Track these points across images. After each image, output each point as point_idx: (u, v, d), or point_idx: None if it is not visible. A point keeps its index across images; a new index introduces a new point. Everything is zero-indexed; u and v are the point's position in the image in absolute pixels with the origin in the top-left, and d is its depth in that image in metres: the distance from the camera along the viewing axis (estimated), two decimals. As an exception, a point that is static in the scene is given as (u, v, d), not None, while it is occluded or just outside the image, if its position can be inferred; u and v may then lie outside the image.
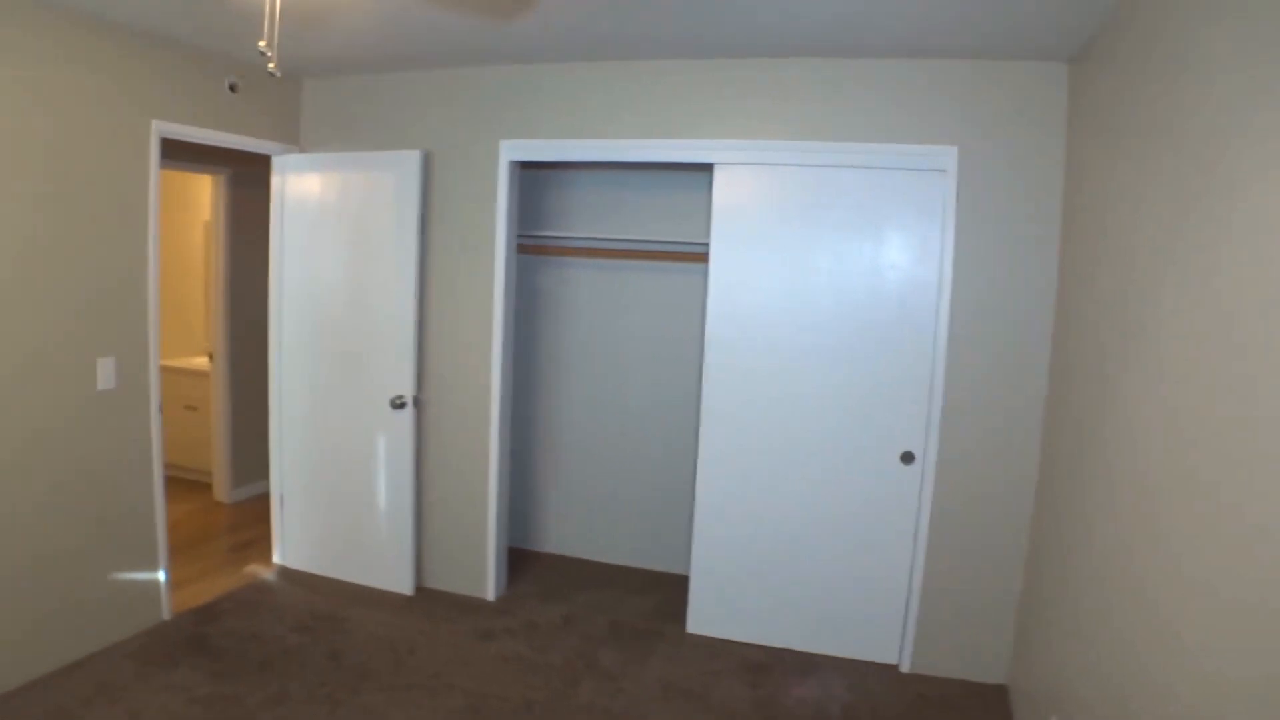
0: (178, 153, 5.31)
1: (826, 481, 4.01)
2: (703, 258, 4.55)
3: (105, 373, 3.75)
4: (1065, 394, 3.32)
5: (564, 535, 5.38)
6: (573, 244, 5.06)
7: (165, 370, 6.78)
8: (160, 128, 3.88)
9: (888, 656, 4.03)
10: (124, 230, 3.80)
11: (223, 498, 6.21)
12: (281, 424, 4.87)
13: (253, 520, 5.74)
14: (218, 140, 4.21)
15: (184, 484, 6.59)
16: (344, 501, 4.72)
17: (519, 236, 4.66)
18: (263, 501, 5.36)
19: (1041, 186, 3.62)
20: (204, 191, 6.37)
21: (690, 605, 4.30)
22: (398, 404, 4.43)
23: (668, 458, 5.04)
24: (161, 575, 4.14)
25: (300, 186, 4.62)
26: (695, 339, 4.76)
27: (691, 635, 4.28)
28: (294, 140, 4.70)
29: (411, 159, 4.31)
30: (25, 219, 3.38)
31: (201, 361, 6.46)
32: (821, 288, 3.94)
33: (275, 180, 4.70)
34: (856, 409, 3.94)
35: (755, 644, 4.19)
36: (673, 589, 4.82)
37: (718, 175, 4.04)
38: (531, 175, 4.98)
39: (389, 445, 4.53)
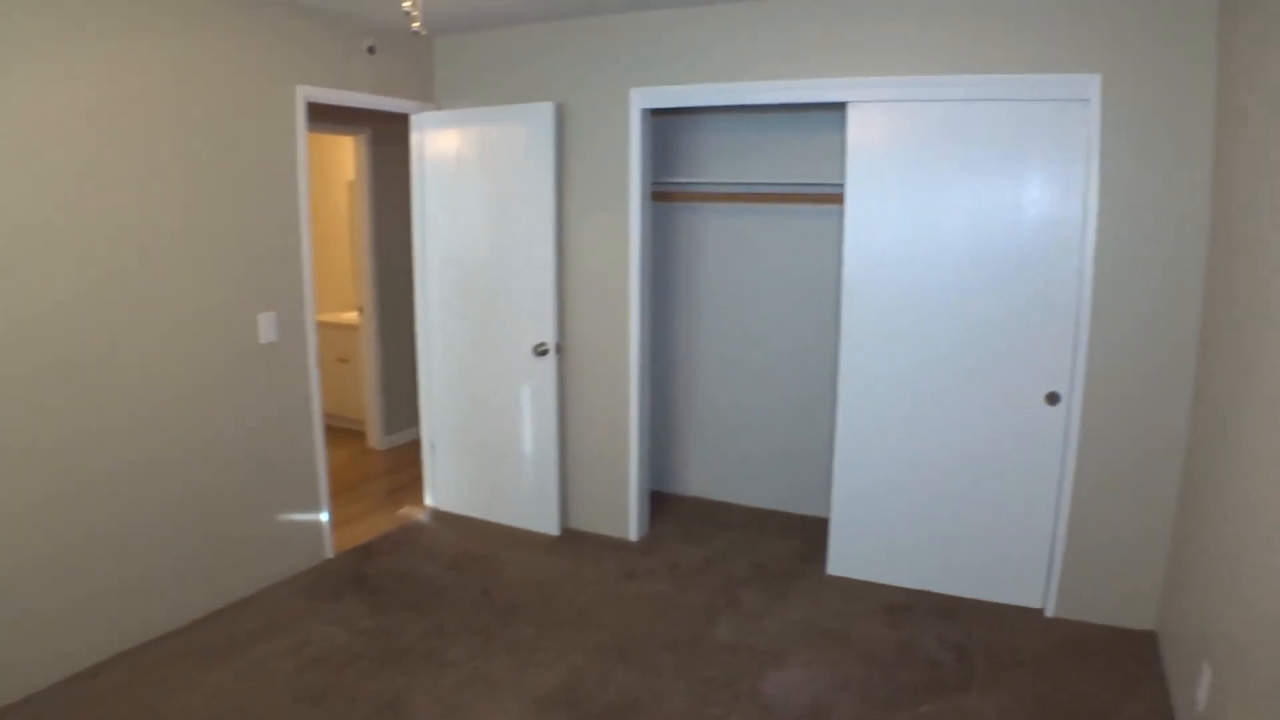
0: (320, 115, 5.53)
1: (968, 423, 3.92)
2: (837, 199, 4.47)
3: (266, 327, 3.98)
4: (1221, 329, 3.12)
5: (704, 479, 5.45)
6: (705, 189, 5.05)
7: (318, 325, 7.19)
8: (305, 92, 4.05)
9: (1031, 600, 3.95)
10: (276, 192, 4.00)
11: (376, 445, 6.54)
12: (430, 374, 5.08)
13: (405, 465, 6.03)
14: (358, 101, 4.37)
15: (338, 432, 6.95)
16: (491, 447, 4.91)
17: (652, 183, 4.68)
18: (413, 448, 5.62)
19: (1189, 112, 3.37)
20: (347, 153, 6.61)
21: (830, 546, 4.31)
22: (540, 351, 4.55)
23: (806, 401, 5.02)
24: (324, 516, 4.42)
25: (438, 143, 4.76)
26: (831, 281, 4.70)
27: (832, 577, 4.30)
28: (430, 98, 4.83)
29: (544, 111, 4.37)
30: (185, 185, 3.60)
31: (351, 316, 6.77)
32: (960, 226, 3.82)
33: (414, 138, 4.84)
34: (999, 350, 3.82)
35: (896, 586, 4.17)
36: (813, 532, 4.83)
37: (851, 114, 3.94)
38: (662, 121, 4.97)
39: (533, 392, 4.67)
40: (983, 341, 3.84)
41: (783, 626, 3.80)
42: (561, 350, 4.65)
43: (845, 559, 4.28)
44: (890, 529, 4.15)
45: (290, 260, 4.10)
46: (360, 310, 6.39)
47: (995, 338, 3.81)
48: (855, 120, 3.95)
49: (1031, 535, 3.88)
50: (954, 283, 3.85)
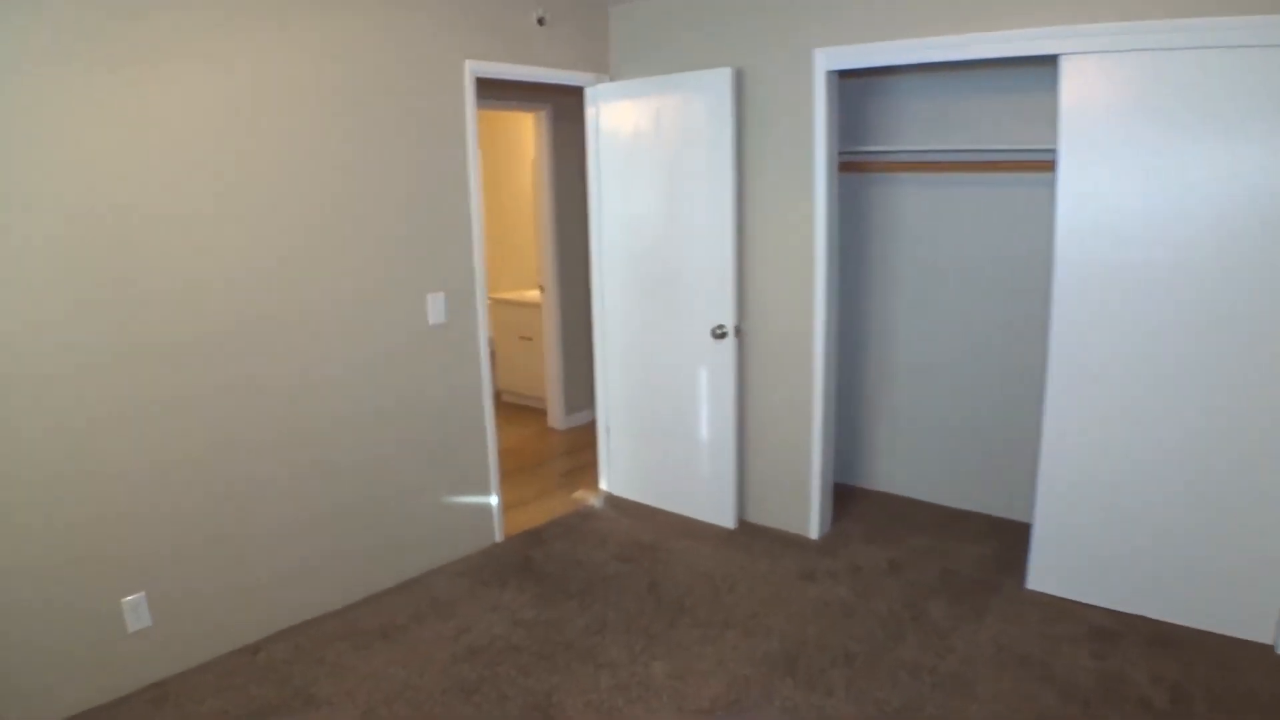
0: (497, 91, 5.49)
1: (1201, 429, 3.32)
2: (1047, 166, 3.96)
3: (435, 308, 3.93)
4: None
5: (892, 472, 5.05)
6: (899, 158, 4.61)
7: (500, 303, 7.25)
8: (473, 67, 3.94)
9: (1263, 635, 3.34)
10: (445, 171, 3.93)
11: (555, 424, 6.49)
12: (606, 355, 4.93)
13: (582, 446, 5.95)
14: (528, 75, 4.23)
15: (520, 410, 6.99)
16: (667, 432, 4.71)
17: (840, 153, 4.30)
18: (592, 429, 5.51)
19: None
20: (530, 130, 6.56)
21: (1032, 558, 3.83)
22: (719, 334, 4.30)
23: (1008, 393, 4.52)
24: (494, 500, 4.36)
25: (612, 115, 4.57)
26: (1040, 259, 4.18)
27: (1031, 592, 3.82)
28: (604, 69, 4.65)
29: (721, 78, 4.08)
30: (349, 167, 3.57)
31: (534, 294, 6.74)
32: (1195, 197, 3.22)
33: (589, 112, 4.68)
34: (1243, 344, 3.20)
35: (1103, 607, 3.65)
36: (1011, 537, 4.35)
37: (1065, 69, 3.41)
38: (849, 85, 4.57)
39: (710, 376, 4.43)
40: (1223, 333, 3.22)
41: (972, 648, 3.39)
42: (741, 333, 4.37)
43: (1047, 573, 3.79)
44: (1101, 542, 3.63)
45: (460, 241, 4.02)
46: (541, 289, 6.34)
47: (1239, 330, 3.19)
48: (1070, 75, 3.42)
49: (1268, 562, 3.27)
50: (1190, 263, 3.27)
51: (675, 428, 4.66)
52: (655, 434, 4.77)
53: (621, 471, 5.02)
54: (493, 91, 5.43)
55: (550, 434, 6.40)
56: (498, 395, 7.31)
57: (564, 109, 5.99)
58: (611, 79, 4.65)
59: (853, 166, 4.64)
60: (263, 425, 3.38)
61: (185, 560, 3.19)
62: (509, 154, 7.31)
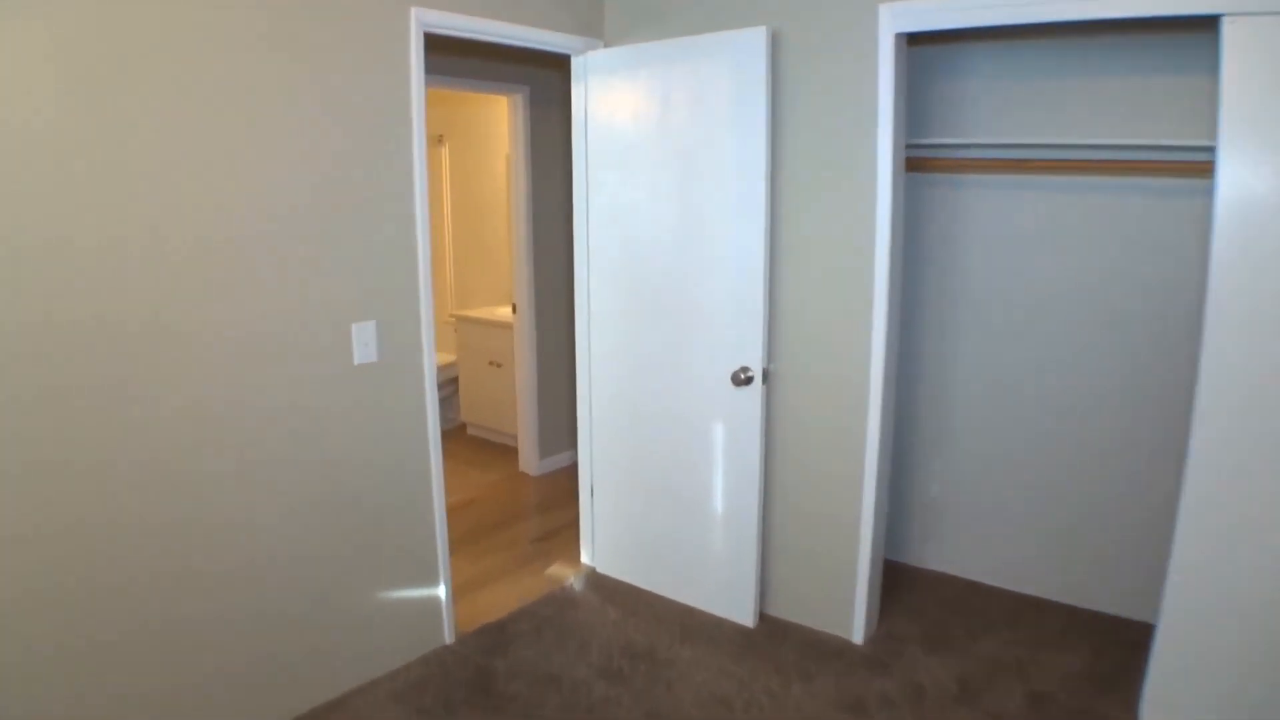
0: (464, 67, 4.46)
1: None
2: (1184, 169, 3.00)
3: (364, 341, 2.90)
4: None
5: (953, 549, 4.03)
6: (971, 155, 3.63)
7: (467, 322, 6.20)
8: (422, 17, 2.91)
9: None
10: (382, 162, 2.90)
11: (528, 468, 5.46)
12: (591, 396, 3.90)
13: (560, 499, 4.92)
14: (498, 34, 3.21)
15: (487, 448, 5.95)
16: (669, 498, 3.68)
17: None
18: (572, 475, 4.46)
19: None
20: (504, 118, 5.54)
21: (1151, 676, 2.80)
22: (742, 378, 3.26)
23: (1113, 458, 3.52)
24: (442, 591, 3.32)
25: (606, 93, 3.55)
26: (1175, 292, 3.21)
27: (1159, 730, 2.84)
28: (596, 32, 3.63)
29: (753, 41, 3.07)
30: (241, 149, 2.54)
31: (505, 312, 5.72)
32: None
33: (575, 90, 3.66)
34: None
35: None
36: (1103, 639, 3.38)
37: (1230, 35, 2.43)
38: (909, 60, 3.58)
39: (728, 431, 3.41)
40: None
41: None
42: (770, 377, 3.35)
43: (1174, 698, 2.77)
44: (1256, 665, 2.63)
45: (400, 253, 2.99)
46: (514, 307, 5.30)
47: None
48: (1237, 45, 2.44)
49: None
50: None
51: (680, 494, 3.63)
52: (654, 500, 3.74)
53: (609, 543, 3.99)
54: (455, 66, 4.40)
55: (522, 481, 5.36)
56: (462, 428, 6.28)
57: (546, 91, 4.97)
58: (606, 45, 3.62)
59: (911, 164, 3.63)
60: (122, 514, 2.34)
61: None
62: (482, 146, 6.27)
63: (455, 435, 6.24)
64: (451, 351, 6.34)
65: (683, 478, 3.60)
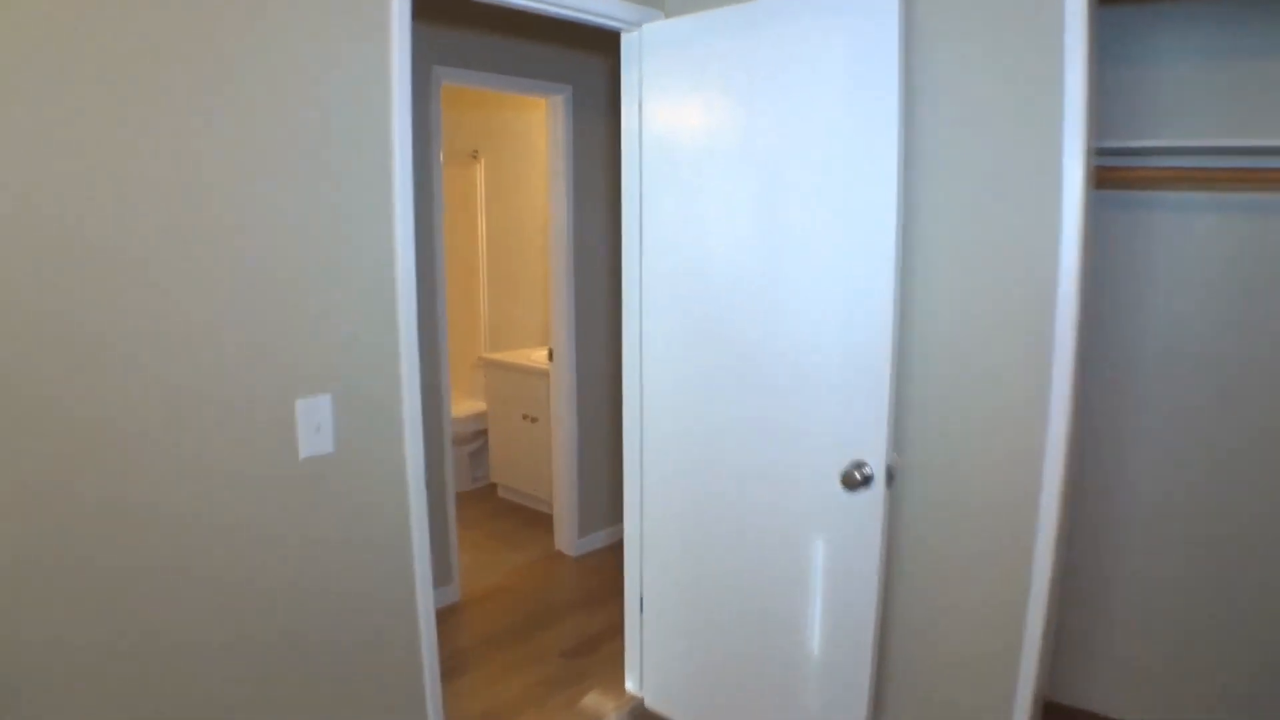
0: (485, 57, 3.62)
1: None
2: None
3: (313, 424, 2.00)
4: None
5: (1123, 689, 2.99)
6: (1156, 163, 2.64)
7: (496, 367, 5.33)
8: (406, -33, 2.04)
9: None
10: (341, 166, 2.00)
11: (566, 547, 4.52)
12: (642, 480, 2.95)
13: (602, 592, 4.00)
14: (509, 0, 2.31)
15: (520, 515, 5.05)
16: (744, 625, 2.71)
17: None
18: (617, 556, 3.53)
19: None
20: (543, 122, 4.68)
21: None
22: (856, 479, 2.28)
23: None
24: (435, 765, 2.39)
25: (664, 79, 2.62)
26: None
27: None
28: (657, 1, 2.72)
29: (878, -2, 2.14)
30: (135, 153, 1.67)
31: (541, 356, 4.82)
32: None
33: (626, 77, 2.74)
34: None
35: None
36: None
37: None
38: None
39: (833, 546, 2.43)
40: None
41: None
42: (896, 476, 2.36)
43: None
44: None
45: (369, 295, 2.09)
46: (551, 355, 4.40)
47: None
48: None
49: None
50: None
51: (760, 621, 2.65)
52: (722, 625, 2.77)
53: (660, 671, 3.02)
54: (479, 56, 3.55)
55: (558, 564, 4.42)
56: (492, 489, 5.39)
57: (592, 91, 4.11)
58: (666, 16, 2.71)
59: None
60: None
61: None
62: (524, 161, 5.42)
63: (484, 496, 5.35)
64: (481, 399, 5.46)
65: (764, 601, 2.63)
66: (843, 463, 2.29)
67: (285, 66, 1.85)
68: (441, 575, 3.87)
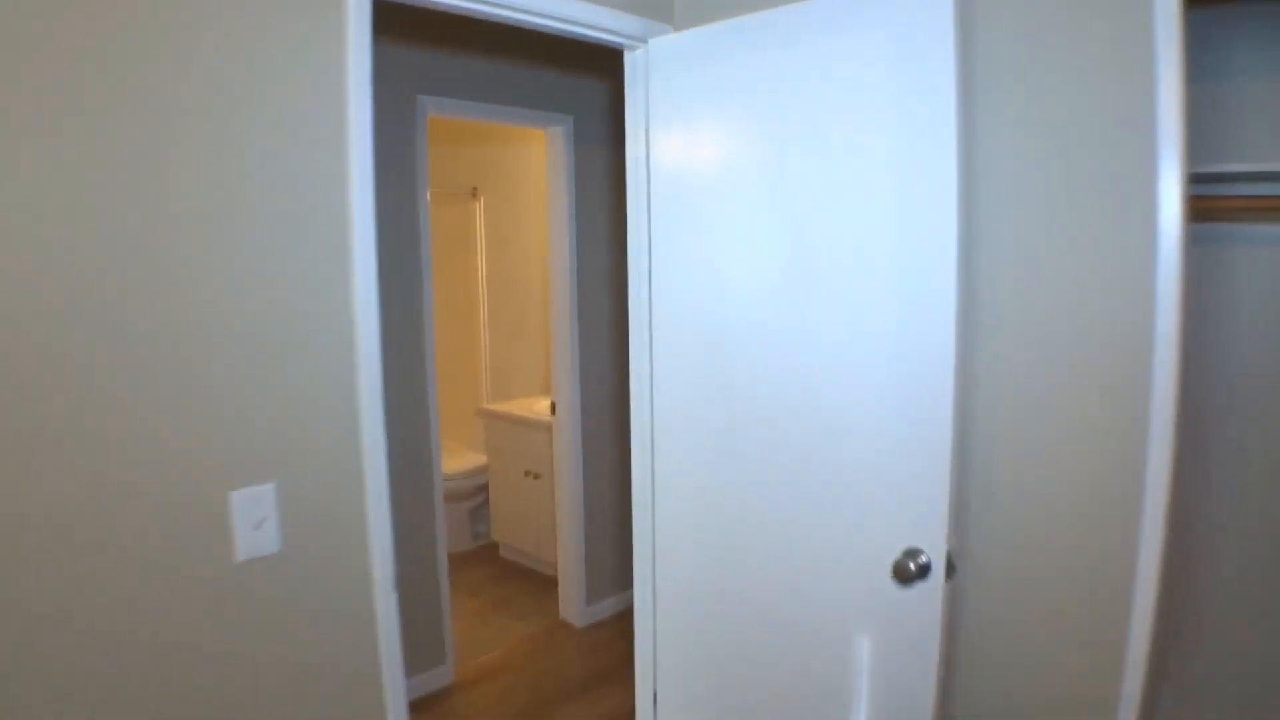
0: (477, 87, 3.32)
1: None
2: None
3: (253, 518, 1.64)
4: None
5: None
6: (1246, 192, 2.28)
7: (496, 419, 4.99)
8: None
9: None
10: (292, 214, 1.67)
11: (571, 616, 4.14)
12: (654, 557, 2.58)
13: (611, 670, 3.62)
14: (486, 10, 1.97)
15: (522, 578, 4.68)
16: (770, 730, 2.32)
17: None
18: (626, 626, 3.10)
19: None
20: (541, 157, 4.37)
21: None
22: (911, 570, 1.88)
23: None
24: None
25: (675, 99, 2.28)
26: None
27: None
28: (662, 13, 2.38)
29: (928, -3, 1.80)
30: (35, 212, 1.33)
31: (544, 407, 4.47)
32: None
33: (631, 99, 2.40)
34: None
35: None
36: None
37: None
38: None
39: (882, 647, 2.03)
40: None
41: None
42: (958, 565, 1.97)
43: None
44: None
45: (326, 364, 1.74)
46: (554, 407, 4.04)
47: None
48: None
49: None
50: None
51: (793, 726, 2.27)
52: (750, 727, 2.39)
53: (681, 777, 2.64)
54: (472, 86, 3.24)
55: (563, 636, 4.03)
56: (493, 549, 5.03)
57: (595, 120, 3.79)
58: (675, 29, 2.38)
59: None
60: None
61: None
62: (523, 197, 5.10)
63: (485, 557, 4.98)
64: (482, 452, 5.11)
65: (798, 705, 2.24)
66: (894, 549, 1.91)
67: (205, 86, 1.52)
68: (434, 655, 3.50)
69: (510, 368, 5.35)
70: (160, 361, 1.50)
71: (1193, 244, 2.19)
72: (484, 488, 5.08)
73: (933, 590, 1.89)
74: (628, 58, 2.37)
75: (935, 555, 1.87)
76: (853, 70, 1.91)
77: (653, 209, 2.37)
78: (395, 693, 1.89)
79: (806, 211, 2.03)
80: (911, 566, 1.87)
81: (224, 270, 1.57)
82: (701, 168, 2.24)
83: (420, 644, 3.42)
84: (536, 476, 4.53)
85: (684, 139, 2.27)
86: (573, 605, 4.13)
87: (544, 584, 4.53)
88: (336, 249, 1.72)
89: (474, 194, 5.35)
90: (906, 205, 1.85)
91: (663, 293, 2.39)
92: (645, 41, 2.30)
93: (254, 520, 1.65)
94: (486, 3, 1.93)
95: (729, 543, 2.32)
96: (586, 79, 3.74)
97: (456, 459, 5.05)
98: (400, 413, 3.28)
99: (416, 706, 3.34)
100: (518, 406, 4.80)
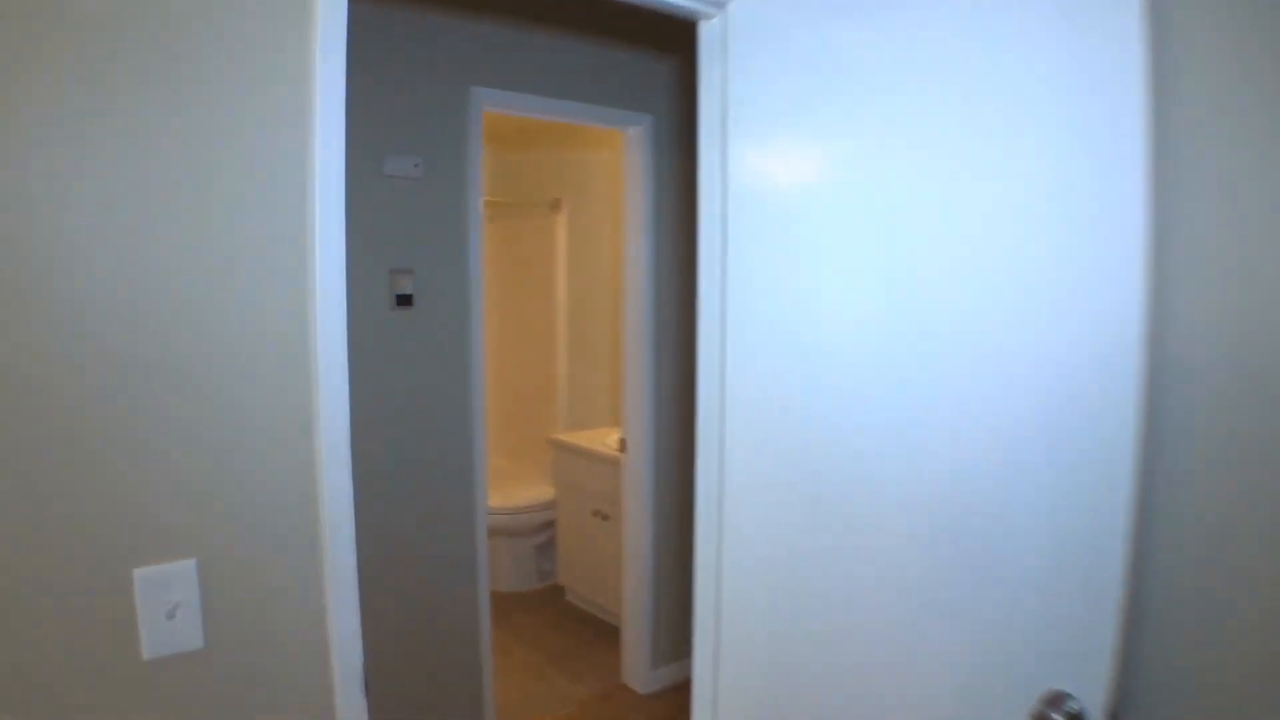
0: (540, 77, 2.92)
1: None
2: None
3: (164, 605, 1.24)
4: None
5: None
6: None
7: (564, 449, 4.33)
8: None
9: None
10: (228, 219, 1.27)
11: (633, 680, 3.68)
12: (719, 652, 2.09)
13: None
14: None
15: (586, 628, 4.25)
16: None
17: None
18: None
19: None
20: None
21: None
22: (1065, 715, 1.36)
23: None
24: None
25: (759, 80, 1.81)
26: None
27: None
28: (750, -25, 1.93)
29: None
30: None
31: (615, 440, 4.04)
32: None
33: (705, 83, 1.95)
34: None
35: None
36: None
37: None
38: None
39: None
40: None
41: None
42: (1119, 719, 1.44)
43: None
44: None
45: (268, 393, 1.33)
46: (624, 444, 3.60)
47: None
48: None
49: None
50: None
51: None
52: None
53: None
54: (525, 73, 2.85)
55: (622, 703, 3.57)
56: (558, 592, 4.61)
57: (678, 122, 3.35)
58: (764, -6, 1.92)
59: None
60: None
61: None
62: (607, 205, 4.69)
63: (549, 600, 4.56)
64: (550, 485, 4.70)
65: None
66: (1029, 694, 1.39)
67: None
68: (469, 717, 3.08)
69: (590, 393, 4.94)
70: (25, 394, 1.11)
71: None
72: (552, 523, 4.67)
73: (1096, 749, 1.36)
74: (702, 30, 1.92)
75: (1092, 706, 1.34)
76: (1002, 20, 1.41)
77: (728, 215, 1.91)
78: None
79: (933, 240, 1.53)
80: (1055, 719, 1.35)
81: (114, 270, 1.17)
82: (794, 171, 1.76)
83: (452, 705, 3.01)
84: (605, 517, 4.09)
85: (767, 119, 1.80)
86: (636, 668, 3.66)
87: (609, 635, 4.08)
88: (286, 254, 1.31)
89: (556, 206, 4.97)
90: (1072, 200, 1.34)
91: (736, 327, 1.92)
92: (724, 7, 1.84)
93: (165, 607, 1.25)
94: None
95: (810, 649, 1.82)
96: (670, 69, 3.31)
97: (526, 490, 4.66)
98: (439, 439, 2.91)
99: (446, 783, 2.92)
100: (588, 438, 4.38)
